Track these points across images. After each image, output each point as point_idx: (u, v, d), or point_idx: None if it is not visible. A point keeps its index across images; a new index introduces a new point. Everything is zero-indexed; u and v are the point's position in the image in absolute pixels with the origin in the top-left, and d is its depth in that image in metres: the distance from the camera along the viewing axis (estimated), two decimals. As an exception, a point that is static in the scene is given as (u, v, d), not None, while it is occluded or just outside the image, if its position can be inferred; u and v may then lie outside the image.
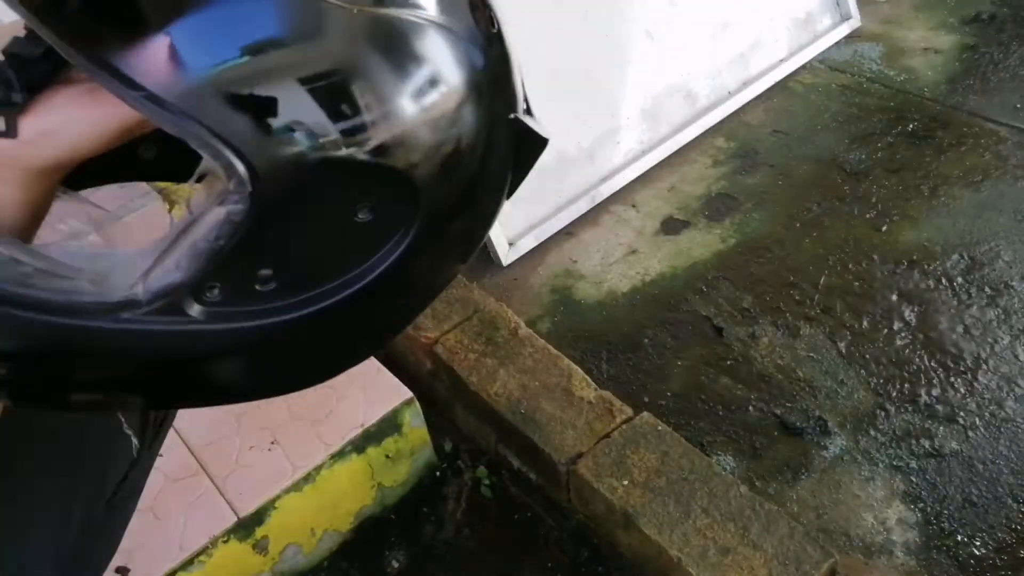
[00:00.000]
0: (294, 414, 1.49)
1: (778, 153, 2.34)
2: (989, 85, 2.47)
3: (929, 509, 1.48)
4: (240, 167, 0.38)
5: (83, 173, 0.46)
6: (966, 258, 1.93)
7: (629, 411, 1.52)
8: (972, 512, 1.47)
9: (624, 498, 1.38)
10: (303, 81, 0.39)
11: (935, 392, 1.66)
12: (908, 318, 1.81)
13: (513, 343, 1.67)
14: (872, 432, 1.60)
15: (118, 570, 1.28)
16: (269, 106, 0.39)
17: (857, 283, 1.91)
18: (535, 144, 0.52)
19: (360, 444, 1.47)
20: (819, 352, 1.76)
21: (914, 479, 1.52)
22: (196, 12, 0.38)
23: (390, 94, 0.41)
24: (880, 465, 1.55)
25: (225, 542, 1.34)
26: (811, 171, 2.26)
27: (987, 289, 1.85)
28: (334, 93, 0.40)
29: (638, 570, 1.43)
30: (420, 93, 0.42)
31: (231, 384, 0.50)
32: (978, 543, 1.42)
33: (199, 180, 0.44)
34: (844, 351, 1.76)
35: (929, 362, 1.72)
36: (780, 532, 1.32)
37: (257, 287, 0.43)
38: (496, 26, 0.47)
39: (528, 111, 0.52)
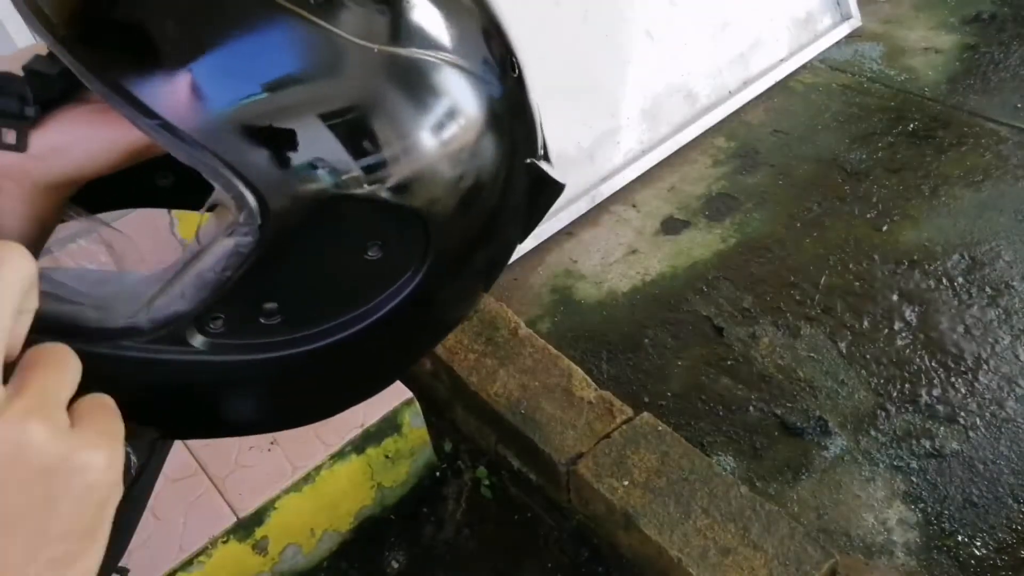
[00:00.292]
0: (294, 414, 1.49)
1: (778, 153, 2.34)
2: (990, 85, 2.47)
3: (930, 509, 1.47)
4: (251, 199, 0.38)
5: (100, 196, 0.47)
6: (967, 258, 1.93)
7: (629, 411, 1.52)
8: (973, 512, 1.46)
9: (624, 498, 1.38)
10: (318, 117, 0.39)
11: (936, 392, 1.66)
12: (909, 318, 1.81)
13: (513, 343, 1.67)
14: (873, 432, 1.60)
15: (117, 570, 1.28)
16: (282, 140, 0.39)
17: (858, 283, 1.91)
18: (551, 190, 0.52)
19: (360, 444, 1.47)
20: (820, 352, 1.76)
21: (915, 479, 1.52)
22: (216, 46, 0.38)
23: (407, 133, 0.41)
24: (881, 465, 1.55)
25: (225, 542, 1.33)
26: (811, 171, 2.26)
27: (988, 289, 1.84)
28: (347, 130, 0.40)
29: (638, 570, 1.43)
30: (437, 132, 0.42)
31: (232, 416, 0.49)
32: (979, 543, 1.42)
33: (210, 210, 0.44)
34: (845, 351, 1.76)
35: (930, 362, 1.71)
36: (780, 532, 1.32)
37: (261, 320, 0.42)
38: (517, 71, 0.48)
39: (546, 156, 0.52)
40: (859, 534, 1.45)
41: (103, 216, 0.51)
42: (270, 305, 0.42)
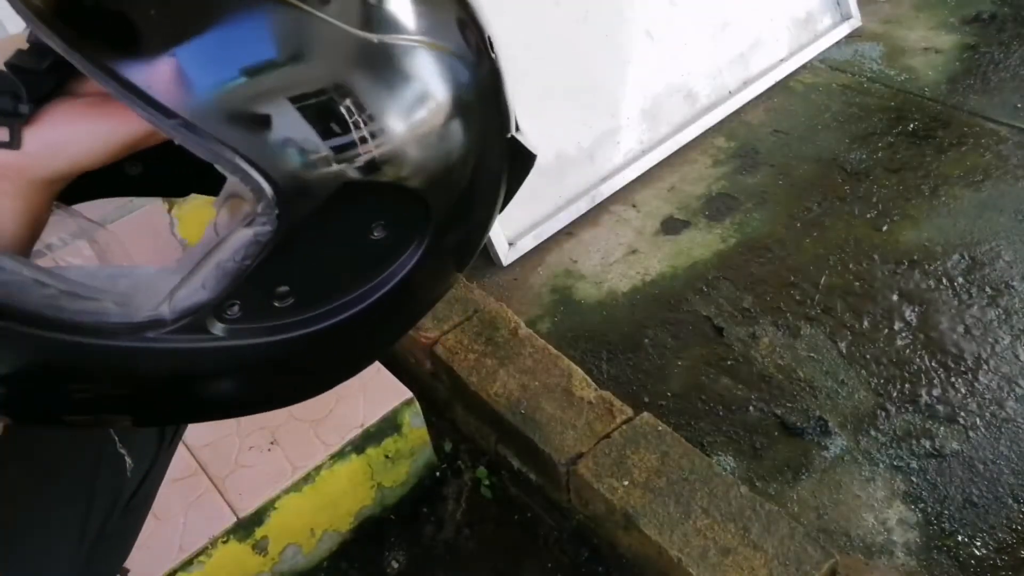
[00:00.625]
0: (293, 414, 1.49)
1: (778, 153, 2.34)
2: (990, 85, 2.47)
3: (930, 509, 1.47)
4: (268, 190, 0.40)
5: (71, 188, 0.47)
6: (967, 258, 1.92)
7: (629, 411, 1.52)
8: (973, 512, 1.46)
9: (624, 498, 1.38)
10: (331, 102, 0.41)
11: (936, 392, 1.66)
12: (909, 318, 1.81)
13: (513, 343, 1.67)
14: (873, 432, 1.60)
15: (119, 570, 1.28)
16: (294, 129, 0.40)
17: (858, 283, 1.90)
18: (526, 160, 0.55)
19: (360, 444, 1.47)
20: (820, 352, 1.76)
21: (915, 479, 1.52)
22: (208, 38, 0.39)
23: (407, 115, 0.44)
24: (881, 465, 1.55)
25: (225, 542, 1.33)
26: (811, 171, 2.26)
27: (988, 289, 1.84)
28: (356, 116, 0.42)
29: (638, 571, 1.43)
30: (434, 114, 0.45)
31: (241, 397, 0.51)
32: (979, 543, 1.42)
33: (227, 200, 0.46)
34: (845, 351, 1.76)
35: (930, 362, 1.71)
36: (781, 532, 1.32)
37: (275, 303, 0.45)
38: (494, 51, 0.50)
39: (517, 128, 0.55)
40: (859, 534, 1.45)
41: (78, 207, 0.52)
42: (283, 288, 0.44)
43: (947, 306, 1.82)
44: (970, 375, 1.68)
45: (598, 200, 2.19)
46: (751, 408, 1.67)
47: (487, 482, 1.63)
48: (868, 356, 1.74)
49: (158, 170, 0.60)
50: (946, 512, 1.47)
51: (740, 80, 2.53)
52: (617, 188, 2.23)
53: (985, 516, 1.46)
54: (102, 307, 0.42)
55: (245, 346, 0.45)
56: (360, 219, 0.45)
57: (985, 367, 1.69)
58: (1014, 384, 1.65)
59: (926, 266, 1.92)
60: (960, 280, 1.88)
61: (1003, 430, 1.58)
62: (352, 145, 0.41)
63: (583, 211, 2.17)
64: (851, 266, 1.95)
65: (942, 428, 1.59)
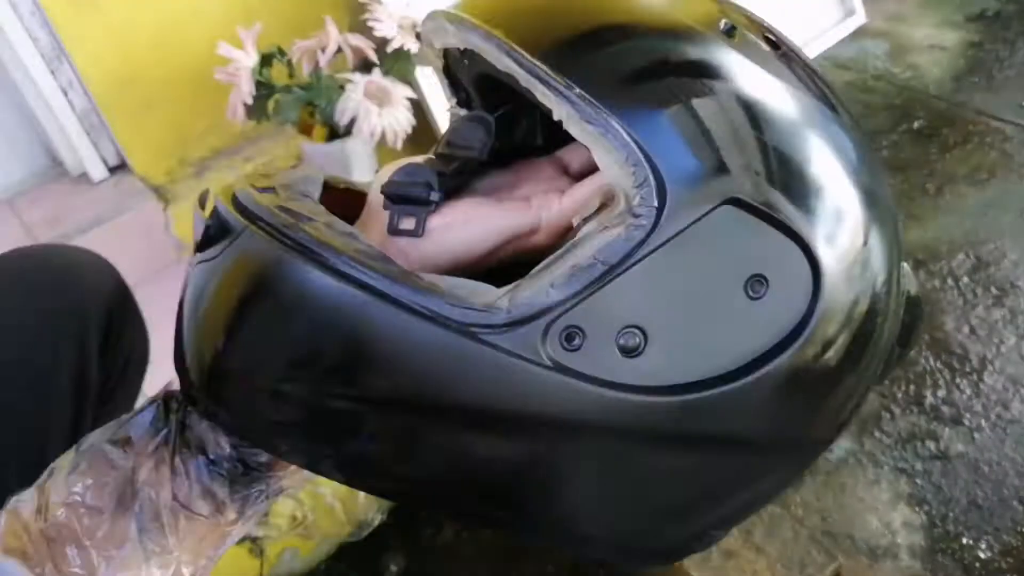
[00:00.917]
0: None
1: (781, 151, 2.32)
2: (995, 82, 2.45)
3: (934, 512, 1.46)
4: (652, 183, 0.36)
5: None
6: (972, 257, 1.91)
7: (631, 412, 1.51)
8: (978, 515, 1.45)
9: (625, 501, 1.37)
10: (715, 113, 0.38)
11: (941, 393, 1.64)
12: (913, 318, 1.79)
13: (513, 343, 1.65)
14: (877, 434, 1.59)
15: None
16: (689, 127, 0.37)
17: (861, 283, 1.89)
18: (916, 314, 0.48)
19: (358, 446, 1.46)
20: (823, 352, 1.75)
21: (919, 481, 1.51)
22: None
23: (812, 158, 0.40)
24: (885, 467, 1.53)
25: (221, 545, 1.32)
26: (815, 169, 2.24)
27: (993, 289, 1.83)
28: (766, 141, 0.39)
29: (639, 573, 1.42)
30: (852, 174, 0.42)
31: (543, 487, 0.40)
32: (983, 546, 1.41)
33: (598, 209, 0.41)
34: (848, 351, 1.74)
35: (934, 363, 1.70)
36: (784, 535, 1.31)
37: (618, 345, 0.36)
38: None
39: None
40: (863, 537, 1.44)
41: None
42: (632, 329, 0.36)
43: (952, 306, 1.81)
44: (975, 376, 1.66)
45: (600, 199, 2.18)
46: (754, 409, 1.65)
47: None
48: (872, 356, 1.73)
49: None
50: (951, 515, 1.46)
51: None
52: (619, 186, 2.21)
53: (990, 519, 1.45)
54: (436, 290, 0.37)
55: (570, 388, 0.36)
56: (742, 262, 0.37)
57: (991, 368, 1.67)
58: (1020, 385, 1.63)
59: (931, 266, 1.90)
60: (965, 280, 1.86)
61: (1009, 431, 1.56)
62: (754, 160, 0.37)
63: (584, 210, 2.15)
64: (855, 265, 1.93)
65: (947, 430, 1.58)
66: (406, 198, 0.43)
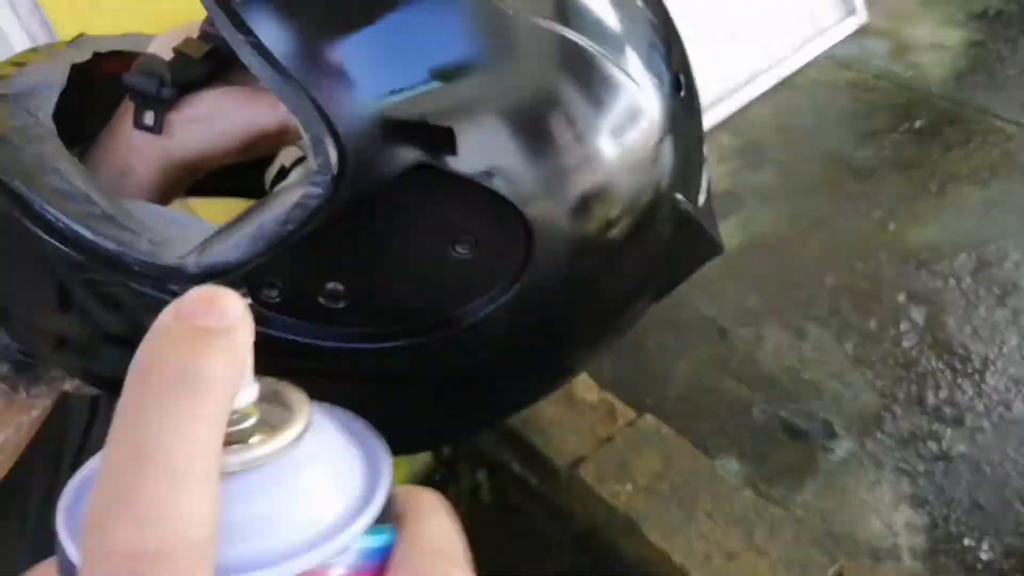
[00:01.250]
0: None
1: (784, 150, 2.32)
2: (997, 81, 2.45)
3: (936, 513, 1.46)
4: (330, 146, 0.34)
5: (207, 185, 0.47)
6: (974, 257, 1.91)
7: (632, 414, 1.51)
8: (980, 516, 1.45)
9: (627, 503, 1.37)
10: (432, 72, 0.35)
11: (942, 394, 1.64)
12: (915, 319, 1.79)
13: (514, 344, 1.65)
14: (879, 435, 1.58)
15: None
16: (378, 88, 0.34)
17: (864, 283, 1.89)
18: (701, 244, 0.45)
19: (359, 447, 1.46)
20: (825, 353, 1.74)
21: (921, 482, 1.50)
22: None
23: (474, 78, 0.36)
24: (887, 468, 1.53)
25: (222, 547, 1.32)
26: (817, 168, 2.24)
27: (995, 289, 1.83)
28: (459, 93, 0.35)
29: (641, 575, 1.42)
30: (561, 125, 0.37)
31: None
32: (985, 547, 1.41)
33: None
34: (851, 352, 1.74)
35: (936, 363, 1.70)
36: (785, 537, 1.31)
37: (321, 300, 0.37)
38: (683, 90, 0.42)
39: (705, 208, 0.46)
40: (865, 538, 1.43)
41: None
42: (333, 285, 0.36)
43: (954, 306, 1.80)
44: (977, 376, 1.66)
45: (601, 198, 2.18)
46: (755, 410, 1.65)
47: (487, 486, 1.62)
48: (874, 357, 1.72)
49: None
50: (953, 515, 1.45)
51: (744, 77, 2.51)
52: (620, 186, 2.21)
53: (992, 519, 1.44)
54: (135, 241, 0.37)
55: (270, 337, 0.36)
56: (442, 222, 0.36)
57: (992, 368, 1.67)
58: (1022, 385, 1.63)
59: (933, 266, 1.90)
60: (968, 280, 1.86)
61: (1010, 432, 1.56)
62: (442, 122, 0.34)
63: (585, 209, 2.15)
64: (857, 266, 1.93)
65: (949, 430, 1.58)
66: (140, 92, 0.42)
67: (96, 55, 0.46)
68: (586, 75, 0.37)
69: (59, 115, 0.41)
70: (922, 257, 1.93)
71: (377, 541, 0.22)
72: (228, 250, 0.36)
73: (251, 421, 0.22)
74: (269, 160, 0.49)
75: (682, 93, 0.42)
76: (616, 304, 0.44)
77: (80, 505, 0.21)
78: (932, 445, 1.56)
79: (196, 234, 0.38)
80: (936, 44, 2.66)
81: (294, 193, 0.35)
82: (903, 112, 2.38)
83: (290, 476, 0.21)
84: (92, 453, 0.64)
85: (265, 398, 0.23)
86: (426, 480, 1.63)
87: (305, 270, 0.36)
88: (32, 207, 0.37)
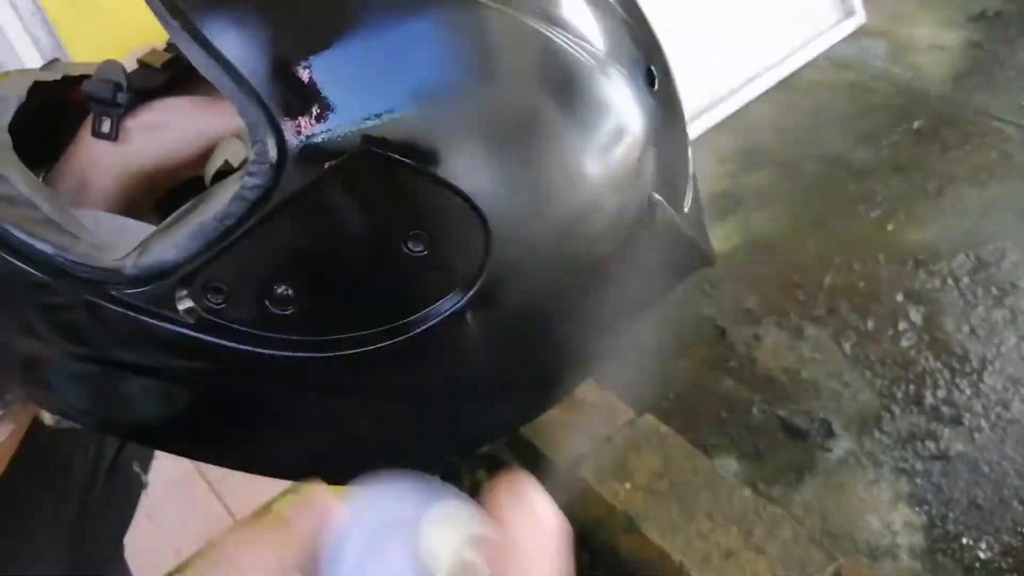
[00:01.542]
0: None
1: (782, 151, 2.32)
2: (995, 83, 2.45)
3: (934, 512, 1.46)
4: (267, 132, 0.31)
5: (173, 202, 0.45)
6: (972, 258, 1.91)
7: (631, 413, 1.51)
8: (978, 515, 1.45)
9: (626, 501, 1.37)
10: (365, 43, 0.32)
11: (941, 394, 1.64)
12: (914, 319, 1.79)
13: (514, 344, 1.66)
14: (877, 434, 1.59)
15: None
16: (318, 68, 0.32)
17: (862, 283, 1.89)
18: (685, 250, 0.42)
19: (359, 446, 1.46)
20: (824, 353, 1.75)
21: (919, 481, 1.51)
22: None
23: (465, 87, 0.34)
24: (885, 467, 1.53)
25: (222, 545, 1.32)
26: (815, 169, 2.24)
27: (993, 289, 1.83)
28: (397, 70, 0.33)
29: (640, 574, 1.42)
30: (472, 79, 0.34)
31: (190, 424, 0.40)
32: (983, 546, 1.41)
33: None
34: (849, 352, 1.74)
35: (935, 363, 1.70)
36: (784, 535, 1.31)
37: (268, 304, 0.34)
38: (657, 85, 0.40)
39: (692, 214, 0.43)
40: (863, 537, 1.44)
41: None
42: (282, 290, 0.33)
43: (952, 306, 1.81)
44: (975, 376, 1.66)
45: (600, 199, 2.18)
46: (754, 410, 1.66)
47: (487, 485, 1.62)
48: (872, 357, 1.73)
49: None
50: (951, 515, 1.46)
51: (743, 77, 2.52)
52: (619, 187, 2.21)
53: (990, 519, 1.45)
54: (75, 245, 0.35)
55: (214, 347, 0.34)
56: (391, 217, 0.33)
57: (991, 368, 1.67)
58: (1020, 385, 1.63)
59: (931, 266, 1.90)
60: (966, 280, 1.86)
61: (1008, 432, 1.56)
62: (389, 103, 0.32)
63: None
64: (855, 266, 1.93)
65: (947, 430, 1.58)
66: (97, 99, 0.42)
67: (67, 78, 0.45)
68: (554, 66, 0.35)
69: (30, 136, 0.41)
70: (920, 257, 1.93)
71: None
72: (167, 250, 0.33)
73: None
74: None
75: (655, 86, 0.39)
76: (594, 316, 0.40)
77: None
78: (930, 444, 1.56)
79: (134, 234, 0.36)
80: (934, 45, 2.67)
81: (232, 186, 0.32)
82: (901, 113, 2.39)
83: None
84: (109, 479, 0.61)
85: None
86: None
87: (249, 272, 0.34)
88: None
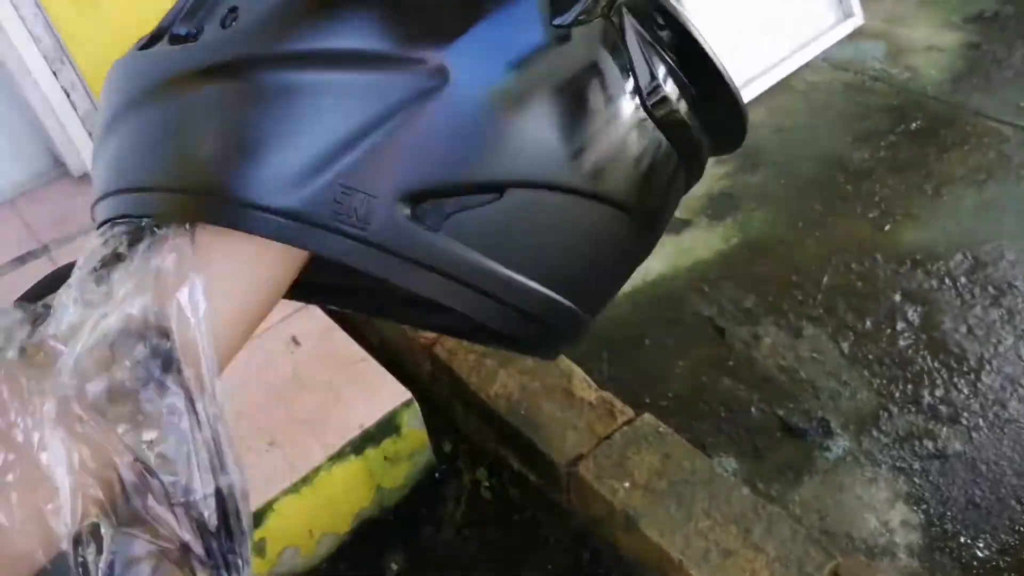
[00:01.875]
0: (292, 415, 1.48)
1: (780, 152, 2.33)
2: (992, 83, 2.46)
3: (932, 511, 1.47)
4: None
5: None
6: (969, 258, 1.92)
7: (630, 412, 1.51)
8: (975, 514, 1.46)
9: (625, 500, 1.37)
10: None
11: (938, 393, 1.65)
12: (911, 318, 1.80)
13: (513, 343, 1.66)
14: (875, 433, 1.59)
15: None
16: None
17: (860, 283, 1.90)
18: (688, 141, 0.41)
19: (359, 445, 1.46)
20: (822, 353, 1.75)
21: (917, 480, 1.51)
22: None
23: None
24: (883, 466, 1.54)
25: (223, 544, 1.32)
26: (814, 170, 2.25)
27: (990, 289, 1.83)
28: None
29: (639, 573, 1.42)
30: None
31: None
32: (981, 545, 1.41)
33: None
34: (847, 351, 1.75)
35: (932, 363, 1.70)
36: (782, 534, 1.31)
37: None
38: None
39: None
40: (861, 536, 1.44)
41: None
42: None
43: (950, 306, 1.81)
44: (973, 376, 1.67)
45: (599, 199, 2.18)
46: (753, 409, 1.66)
47: (487, 483, 1.62)
48: (870, 356, 1.73)
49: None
50: (948, 513, 1.46)
51: (741, 79, 2.52)
52: (618, 187, 2.22)
53: (988, 517, 1.45)
54: None
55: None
56: None
57: (988, 367, 1.68)
58: (1017, 384, 1.64)
59: (929, 266, 1.91)
60: (963, 280, 1.87)
61: (1006, 431, 1.57)
62: None
63: (584, 210, 2.15)
64: (853, 266, 1.94)
65: (945, 429, 1.58)
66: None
67: None
68: None
69: None
70: (918, 257, 1.94)
71: None
72: None
73: None
74: None
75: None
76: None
77: None
78: (928, 443, 1.57)
79: None
80: (932, 46, 2.67)
81: None
82: (899, 114, 2.39)
83: None
84: None
85: None
86: (427, 477, 1.63)
87: None
88: None
